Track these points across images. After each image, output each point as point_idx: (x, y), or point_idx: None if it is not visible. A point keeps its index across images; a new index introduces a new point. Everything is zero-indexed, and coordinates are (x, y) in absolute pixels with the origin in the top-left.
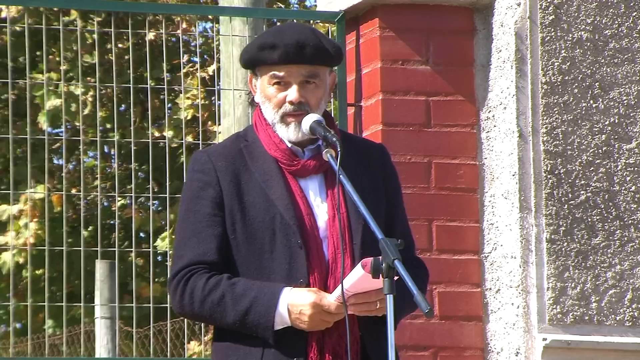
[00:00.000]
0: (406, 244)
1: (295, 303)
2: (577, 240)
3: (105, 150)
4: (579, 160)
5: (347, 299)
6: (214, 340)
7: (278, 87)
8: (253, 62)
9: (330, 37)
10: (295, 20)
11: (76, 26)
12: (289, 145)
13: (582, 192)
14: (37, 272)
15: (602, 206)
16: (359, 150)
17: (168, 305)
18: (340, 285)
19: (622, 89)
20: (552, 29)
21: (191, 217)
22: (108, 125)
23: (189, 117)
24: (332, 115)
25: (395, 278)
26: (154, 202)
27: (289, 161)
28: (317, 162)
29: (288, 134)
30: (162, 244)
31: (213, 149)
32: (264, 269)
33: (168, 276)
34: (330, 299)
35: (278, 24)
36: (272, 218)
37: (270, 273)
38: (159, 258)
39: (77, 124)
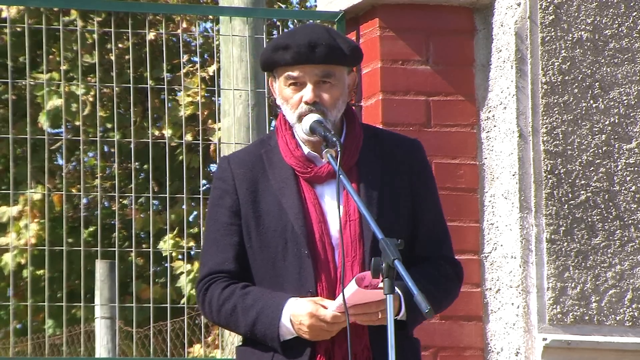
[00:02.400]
0: (437, 242)
1: (296, 313)
2: (577, 240)
3: (105, 150)
4: (579, 160)
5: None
6: (238, 345)
7: (294, 88)
8: (269, 64)
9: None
10: (295, 21)
11: (76, 26)
12: (306, 152)
13: (582, 192)
14: (37, 272)
15: (602, 206)
16: (384, 147)
17: (168, 305)
18: (339, 296)
19: (622, 89)
20: (552, 29)
21: (212, 225)
22: (108, 125)
23: (188, 113)
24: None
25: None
26: (154, 202)
27: (303, 168)
28: (331, 169)
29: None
30: (164, 245)
31: (235, 155)
32: (278, 277)
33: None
34: (329, 309)
35: (278, 24)
36: (284, 227)
37: (283, 282)
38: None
39: (78, 123)
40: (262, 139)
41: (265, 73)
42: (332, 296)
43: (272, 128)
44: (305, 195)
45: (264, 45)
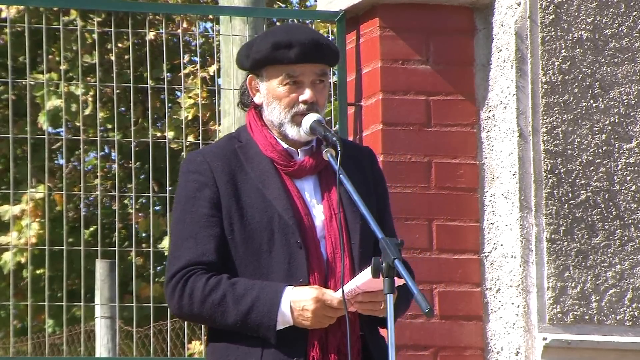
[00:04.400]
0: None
1: (298, 299)
2: (577, 239)
3: (106, 150)
4: (579, 159)
5: (355, 297)
6: (209, 341)
7: (290, 87)
8: (265, 61)
9: (330, 36)
10: (295, 20)
11: (76, 26)
12: (285, 146)
13: (582, 191)
14: (37, 271)
15: (602, 206)
16: (350, 152)
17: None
18: (348, 283)
19: (622, 89)
20: (552, 29)
21: (188, 218)
22: (109, 126)
23: (190, 117)
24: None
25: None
26: (155, 202)
27: (285, 162)
28: (313, 163)
29: (300, 133)
30: (164, 244)
31: (207, 150)
32: (262, 268)
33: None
34: (334, 294)
35: (278, 23)
36: (270, 218)
37: (269, 273)
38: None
39: (78, 123)
40: (230, 136)
41: (245, 72)
42: (324, 286)
43: None
44: (289, 188)
45: None
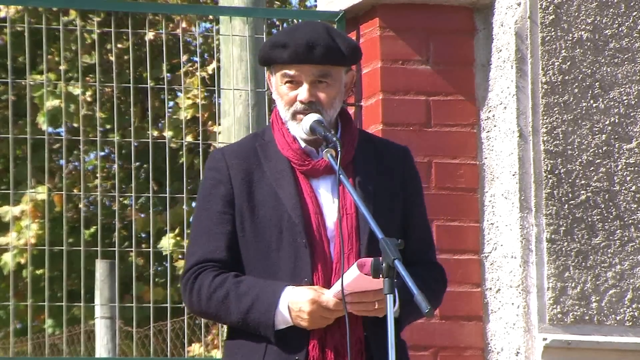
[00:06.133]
0: (425, 247)
1: (295, 300)
2: (577, 240)
3: (106, 150)
4: (579, 160)
5: (345, 297)
6: (226, 339)
7: (290, 86)
8: (266, 60)
9: None
10: (295, 20)
11: (76, 26)
12: (303, 145)
13: (582, 191)
14: (37, 272)
15: (603, 206)
16: (378, 150)
17: (168, 305)
18: (337, 282)
19: (622, 89)
20: (552, 29)
21: (203, 215)
22: (108, 126)
23: (188, 117)
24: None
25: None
26: (155, 201)
27: (300, 161)
28: (328, 163)
29: (300, 131)
30: (164, 244)
31: (229, 147)
32: (271, 267)
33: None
34: (329, 296)
35: (278, 23)
36: (280, 217)
37: (276, 271)
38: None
39: (76, 124)
40: (255, 134)
41: (264, 67)
42: (328, 286)
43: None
44: (302, 187)
45: None
